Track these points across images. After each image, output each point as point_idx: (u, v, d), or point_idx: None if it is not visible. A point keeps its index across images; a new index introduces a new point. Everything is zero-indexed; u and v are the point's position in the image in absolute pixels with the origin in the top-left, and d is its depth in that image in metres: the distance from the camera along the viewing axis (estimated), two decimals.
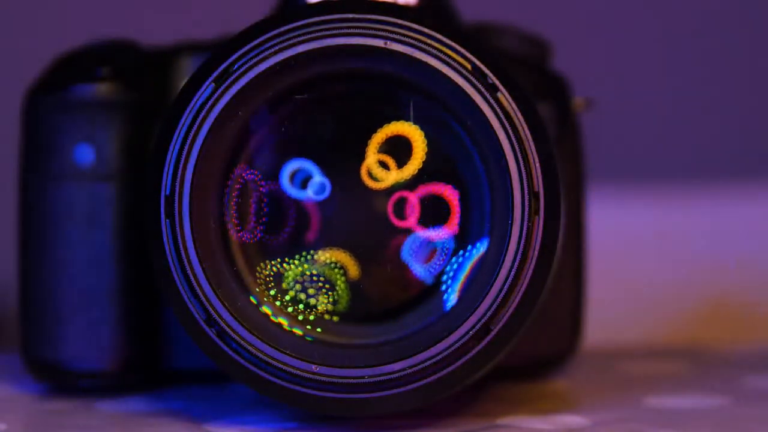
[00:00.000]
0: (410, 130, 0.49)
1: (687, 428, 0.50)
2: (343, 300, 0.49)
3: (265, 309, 0.48)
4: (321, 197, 0.49)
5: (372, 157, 0.49)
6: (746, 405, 0.54)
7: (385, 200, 0.49)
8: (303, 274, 0.49)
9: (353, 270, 0.49)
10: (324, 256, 0.49)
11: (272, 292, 0.49)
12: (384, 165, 0.49)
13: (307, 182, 0.49)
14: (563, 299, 0.57)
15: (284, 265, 0.49)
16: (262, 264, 0.49)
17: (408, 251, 0.49)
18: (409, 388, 0.47)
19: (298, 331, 0.48)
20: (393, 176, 0.49)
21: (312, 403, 0.47)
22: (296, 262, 0.49)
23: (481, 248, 0.48)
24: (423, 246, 0.49)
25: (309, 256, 0.49)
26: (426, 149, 0.48)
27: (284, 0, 0.56)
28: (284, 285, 0.49)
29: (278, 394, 0.47)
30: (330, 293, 0.49)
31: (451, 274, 0.48)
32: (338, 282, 0.49)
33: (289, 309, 0.49)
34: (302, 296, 0.49)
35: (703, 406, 0.54)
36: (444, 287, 0.48)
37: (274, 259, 0.49)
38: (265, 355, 0.47)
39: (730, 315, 0.92)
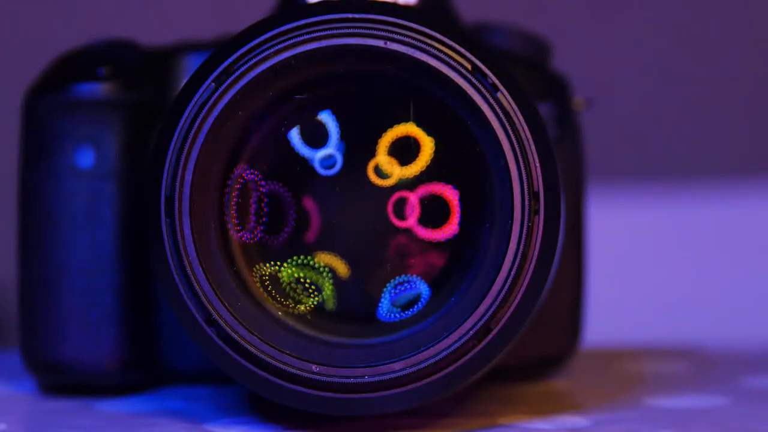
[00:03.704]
0: (419, 132, 0.49)
1: (687, 428, 0.50)
2: (329, 302, 0.49)
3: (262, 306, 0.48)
4: (328, 172, 0.49)
5: (382, 154, 0.49)
6: (746, 405, 0.54)
7: (386, 200, 0.49)
8: (292, 276, 0.49)
9: (342, 270, 0.49)
10: (314, 260, 0.49)
11: (266, 292, 0.49)
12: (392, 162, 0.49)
13: (318, 144, 0.49)
14: (563, 299, 0.57)
15: (279, 267, 0.49)
16: (258, 265, 0.49)
17: (391, 290, 0.49)
18: (409, 388, 0.47)
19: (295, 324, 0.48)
20: (397, 173, 0.49)
21: (312, 403, 0.47)
22: (288, 264, 0.49)
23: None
24: (406, 293, 0.49)
25: (300, 260, 0.49)
26: (432, 150, 0.48)
27: (284, 0, 0.56)
28: (280, 285, 0.49)
29: (278, 394, 0.47)
30: (316, 295, 0.49)
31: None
32: (325, 285, 0.49)
33: (282, 305, 0.49)
34: (293, 295, 0.49)
35: (703, 406, 0.54)
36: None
37: (269, 262, 0.49)
38: (265, 355, 0.47)
39: (730, 314, 0.92)
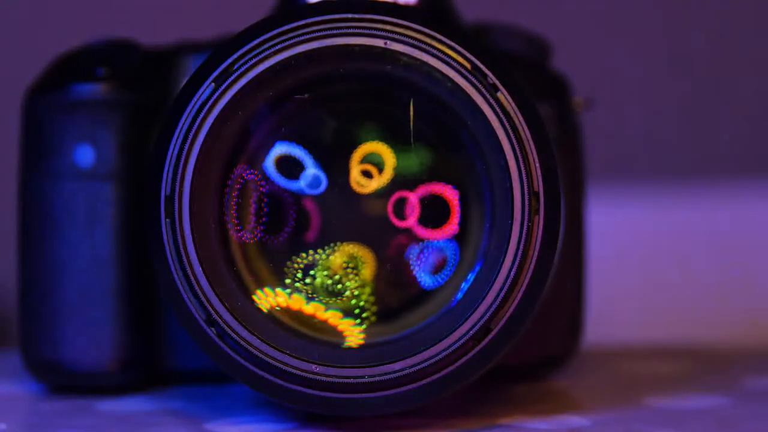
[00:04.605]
0: (382, 148, 0.49)
1: (687, 428, 0.50)
2: (368, 288, 0.49)
3: (298, 297, 0.48)
4: (316, 191, 0.49)
5: (355, 169, 0.49)
6: (746, 405, 0.54)
7: (385, 200, 0.49)
8: (335, 263, 0.49)
9: (370, 259, 0.49)
10: (348, 248, 0.49)
11: (307, 281, 0.49)
12: (367, 174, 0.49)
13: (297, 172, 0.49)
14: (563, 299, 0.57)
15: (315, 256, 0.49)
16: (297, 255, 0.49)
17: (416, 259, 0.49)
18: (409, 388, 0.47)
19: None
20: (374, 183, 0.49)
21: (312, 403, 0.47)
22: (321, 252, 0.49)
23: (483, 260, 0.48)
24: (432, 255, 0.49)
25: (338, 247, 0.49)
26: (395, 161, 0.48)
27: (284, 0, 0.56)
28: (314, 273, 0.49)
29: (278, 394, 0.47)
30: (356, 276, 0.49)
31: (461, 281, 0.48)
32: (363, 270, 0.49)
33: (319, 297, 0.49)
34: (329, 282, 0.49)
35: (703, 406, 0.54)
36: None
37: (304, 252, 0.49)
38: (265, 355, 0.47)
39: (730, 314, 0.92)
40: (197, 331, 0.48)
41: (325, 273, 0.49)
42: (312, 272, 0.49)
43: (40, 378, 0.56)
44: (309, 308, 0.49)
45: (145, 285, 0.55)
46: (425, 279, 0.49)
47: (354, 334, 0.48)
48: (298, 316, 0.49)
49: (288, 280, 0.49)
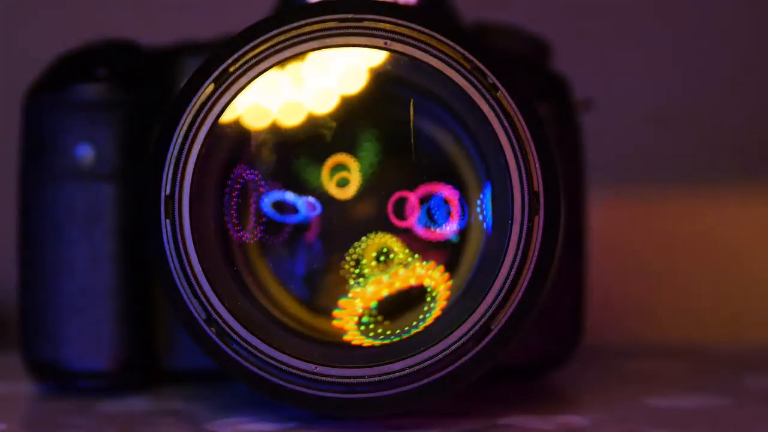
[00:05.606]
0: (347, 158, 0.49)
1: (687, 428, 0.50)
2: (411, 253, 0.49)
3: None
4: (317, 212, 0.49)
5: (327, 182, 0.49)
6: (746, 405, 0.54)
7: (385, 200, 0.49)
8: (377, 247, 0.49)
9: (397, 245, 0.49)
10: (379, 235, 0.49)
11: (373, 264, 0.49)
12: (342, 182, 0.49)
13: (293, 207, 0.49)
14: (564, 299, 0.57)
15: (358, 250, 0.49)
16: (352, 247, 0.49)
17: (427, 218, 0.49)
18: (409, 388, 0.47)
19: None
20: (352, 187, 0.49)
21: (312, 403, 0.47)
22: (365, 239, 0.49)
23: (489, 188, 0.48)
24: (442, 207, 0.49)
25: (376, 235, 0.49)
26: (361, 172, 0.49)
27: (284, 0, 0.56)
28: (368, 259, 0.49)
29: (278, 394, 0.47)
30: (397, 251, 0.49)
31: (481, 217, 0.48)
32: (398, 249, 0.49)
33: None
34: (390, 257, 0.49)
35: (703, 406, 0.54)
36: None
37: (356, 242, 0.49)
38: (265, 355, 0.47)
39: (730, 314, 0.92)
40: (197, 331, 0.48)
41: (383, 251, 0.49)
42: (373, 255, 0.49)
43: (40, 378, 0.56)
44: (407, 275, 0.48)
45: (144, 285, 0.55)
46: (446, 230, 0.49)
47: (445, 282, 0.48)
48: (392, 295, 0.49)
49: (354, 274, 0.49)
